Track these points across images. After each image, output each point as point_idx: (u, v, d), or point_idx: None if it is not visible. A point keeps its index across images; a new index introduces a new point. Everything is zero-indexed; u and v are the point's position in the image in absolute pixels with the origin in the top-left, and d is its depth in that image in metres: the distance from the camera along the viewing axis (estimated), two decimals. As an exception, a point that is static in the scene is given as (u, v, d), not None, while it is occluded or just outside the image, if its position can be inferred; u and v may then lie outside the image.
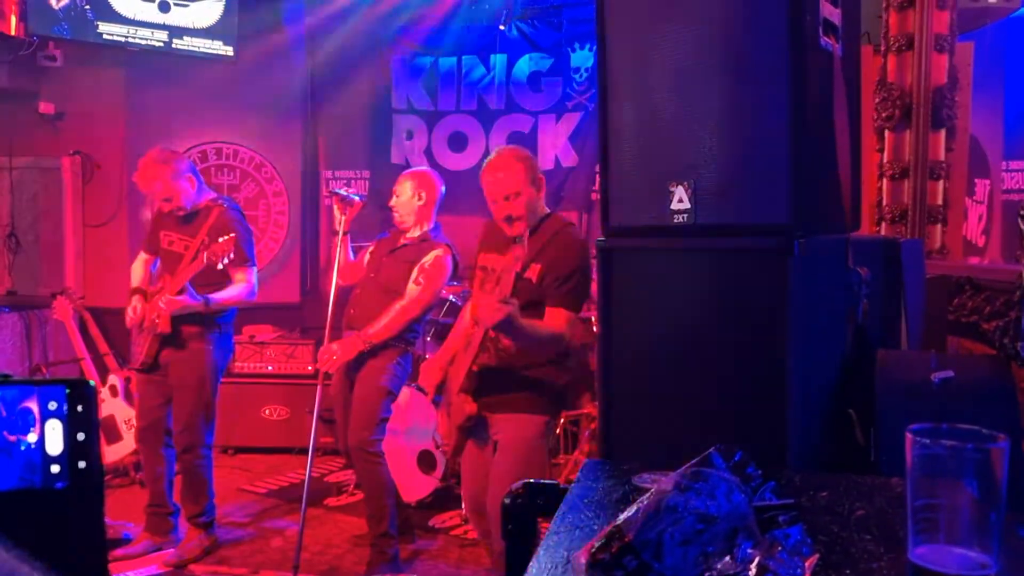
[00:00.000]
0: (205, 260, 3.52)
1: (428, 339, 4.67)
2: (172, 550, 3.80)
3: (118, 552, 3.79)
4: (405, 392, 3.99)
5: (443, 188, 3.74)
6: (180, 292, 3.56)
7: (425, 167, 3.87)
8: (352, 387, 3.60)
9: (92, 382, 0.79)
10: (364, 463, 3.55)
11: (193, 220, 3.77)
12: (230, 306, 3.76)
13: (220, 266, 3.54)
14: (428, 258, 3.55)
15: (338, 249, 3.72)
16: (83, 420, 0.77)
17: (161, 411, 3.81)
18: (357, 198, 3.67)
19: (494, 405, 2.83)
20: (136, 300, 3.77)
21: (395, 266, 3.60)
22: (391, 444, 3.67)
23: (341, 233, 3.70)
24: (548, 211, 2.93)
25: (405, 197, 3.63)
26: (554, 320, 2.72)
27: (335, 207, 3.69)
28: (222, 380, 3.89)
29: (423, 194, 3.63)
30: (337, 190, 3.69)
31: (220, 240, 3.54)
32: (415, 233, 3.65)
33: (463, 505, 3.07)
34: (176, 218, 3.78)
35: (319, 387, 3.58)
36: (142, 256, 4.01)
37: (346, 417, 3.64)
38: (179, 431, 3.76)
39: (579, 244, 2.86)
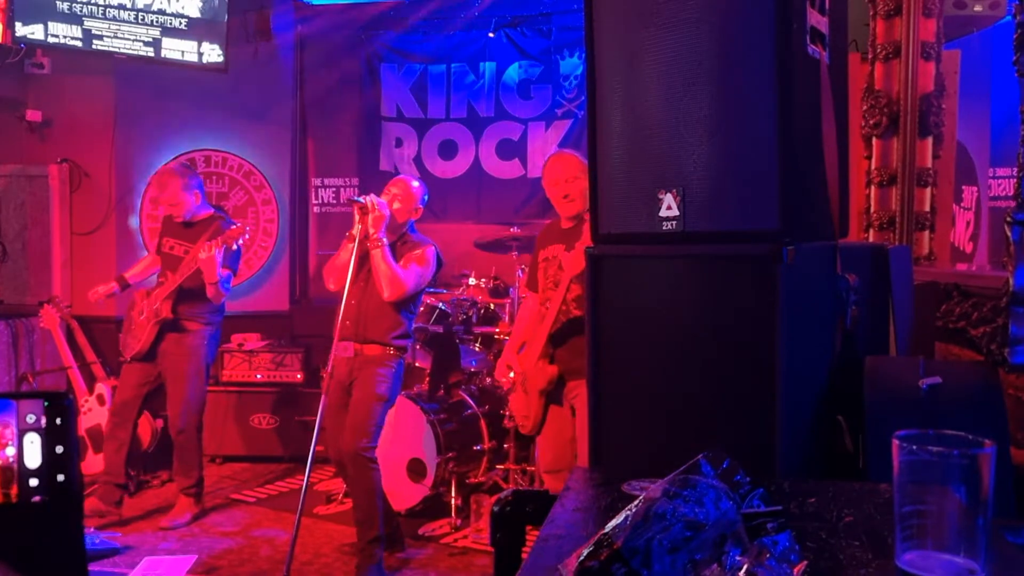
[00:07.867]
0: (222, 242, 3.98)
1: (419, 347, 4.65)
2: (167, 517, 4.22)
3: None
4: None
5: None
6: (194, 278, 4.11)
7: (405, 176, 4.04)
8: (347, 395, 3.65)
9: (71, 395, 0.78)
10: (359, 469, 3.55)
11: (193, 228, 4.30)
12: (221, 292, 4.15)
13: (235, 246, 4.02)
14: (417, 251, 3.68)
15: (351, 256, 3.56)
16: (62, 433, 0.76)
17: (140, 391, 4.27)
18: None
19: (571, 372, 3.09)
20: (112, 284, 4.40)
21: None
22: (380, 452, 3.66)
23: (357, 241, 3.54)
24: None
25: (398, 205, 3.69)
26: None
27: (355, 213, 3.58)
28: (211, 389, 4.36)
29: (414, 206, 3.78)
30: (356, 198, 3.64)
31: (233, 226, 4.05)
32: (392, 239, 3.65)
33: (538, 467, 3.34)
34: (179, 226, 4.33)
35: (323, 396, 3.55)
36: (149, 257, 4.63)
37: (338, 424, 3.65)
38: (176, 415, 4.21)
39: None
